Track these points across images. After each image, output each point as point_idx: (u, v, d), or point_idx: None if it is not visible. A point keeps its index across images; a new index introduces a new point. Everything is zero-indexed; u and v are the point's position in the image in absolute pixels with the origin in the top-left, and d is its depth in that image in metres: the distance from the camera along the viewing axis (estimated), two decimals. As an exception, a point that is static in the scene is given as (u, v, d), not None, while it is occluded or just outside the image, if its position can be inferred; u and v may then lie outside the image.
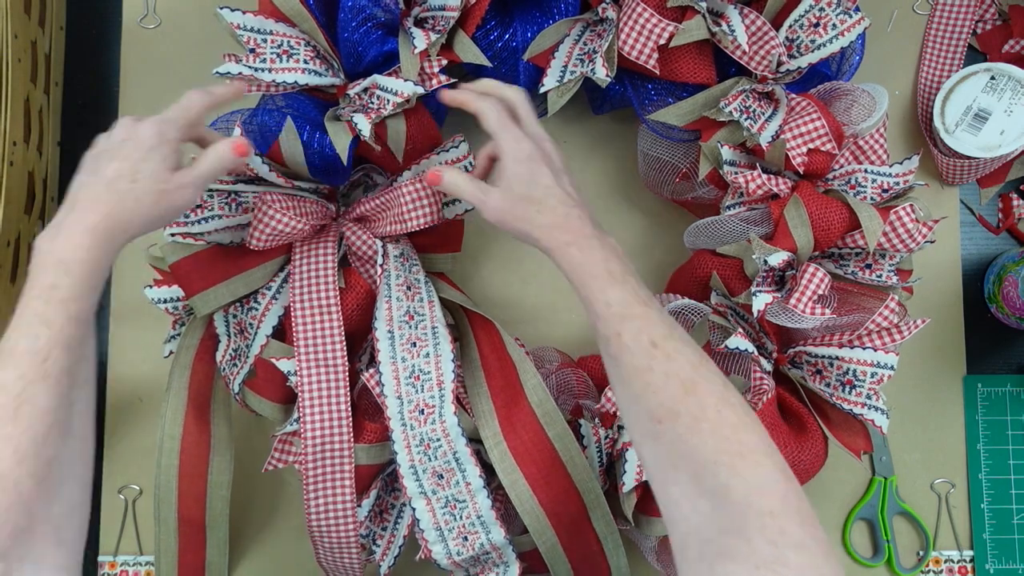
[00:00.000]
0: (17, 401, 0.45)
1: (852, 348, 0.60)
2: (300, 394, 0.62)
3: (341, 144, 0.61)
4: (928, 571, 0.72)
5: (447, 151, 0.65)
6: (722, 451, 0.44)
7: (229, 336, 0.65)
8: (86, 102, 0.76)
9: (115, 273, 0.74)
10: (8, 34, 0.64)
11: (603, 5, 0.63)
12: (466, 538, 0.61)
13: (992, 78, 0.70)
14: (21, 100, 0.67)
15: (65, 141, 0.75)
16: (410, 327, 0.63)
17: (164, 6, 0.75)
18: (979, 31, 0.75)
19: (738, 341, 0.60)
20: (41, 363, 0.46)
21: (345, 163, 0.62)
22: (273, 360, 0.63)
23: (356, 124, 0.61)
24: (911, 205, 0.61)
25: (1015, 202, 0.74)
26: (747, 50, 0.62)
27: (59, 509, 0.47)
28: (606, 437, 0.63)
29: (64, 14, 0.76)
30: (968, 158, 0.70)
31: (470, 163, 0.65)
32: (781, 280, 0.64)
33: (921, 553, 0.72)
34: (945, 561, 0.72)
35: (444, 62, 0.63)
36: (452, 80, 0.63)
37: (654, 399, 0.47)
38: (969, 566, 0.72)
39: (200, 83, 0.75)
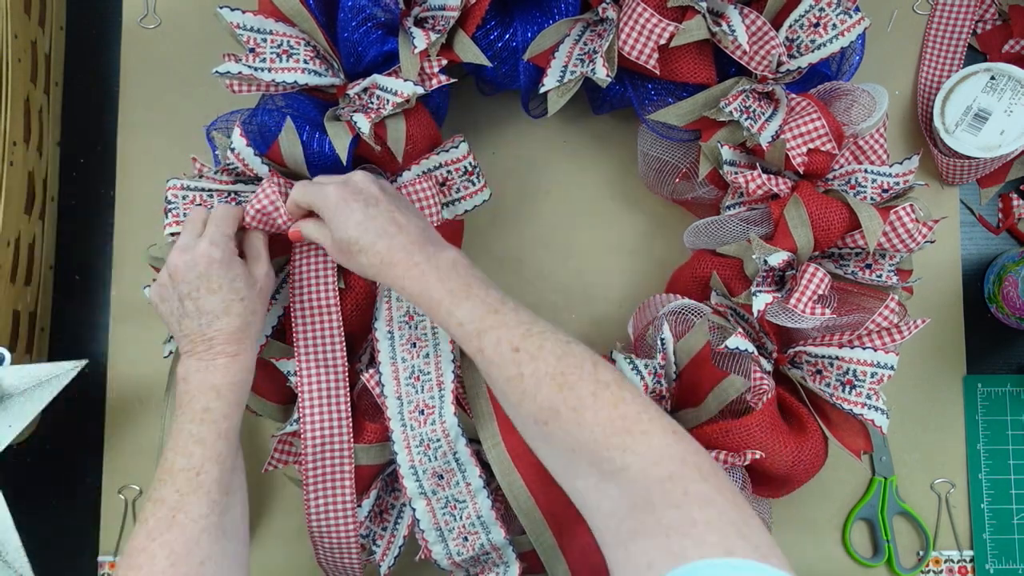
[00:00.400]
0: (173, 511, 0.51)
1: (852, 348, 0.60)
2: (300, 395, 0.62)
3: (341, 144, 0.61)
4: (928, 571, 0.72)
5: (447, 151, 0.65)
6: (609, 434, 0.44)
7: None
8: (86, 102, 0.76)
9: (115, 273, 0.74)
10: (8, 34, 0.64)
11: (603, 5, 0.63)
12: (466, 538, 0.61)
13: (992, 78, 0.70)
14: (21, 100, 0.67)
15: (65, 141, 0.75)
16: (410, 327, 0.63)
17: (164, 6, 0.75)
18: (979, 31, 0.74)
19: (738, 341, 0.60)
20: (195, 476, 0.52)
21: (345, 163, 0.62)
22: (273, 360, 0.63)
23: (356, 124, 0.61)
24: (911, 205, 0.61)
25: (1015, 202, 0.74)
26: (747, 50, 0.62)
27: None
28: (606, 437, 0.63)
29: (64, 14, 0.76)
30: (968, 158, 0.70)
31: (470, 163, 0.65)
32: (781, 280, 0.64)
33: (921, 553, 0.72)
34: (945, 561, 0.72)
35: (444, 62, 0.63)
36: (452, 80, 0.63)
37: (533, 404, 0.47)
38: (969, 566, 0.72)
39: (200, 83, 0.75)
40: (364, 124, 0.61)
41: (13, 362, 0.63)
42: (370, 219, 0.55)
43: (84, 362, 0.64)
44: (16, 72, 0.66)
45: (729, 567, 0.37)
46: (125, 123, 0.75)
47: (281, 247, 0.64)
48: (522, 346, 0.48)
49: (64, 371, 0.63)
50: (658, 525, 0.40)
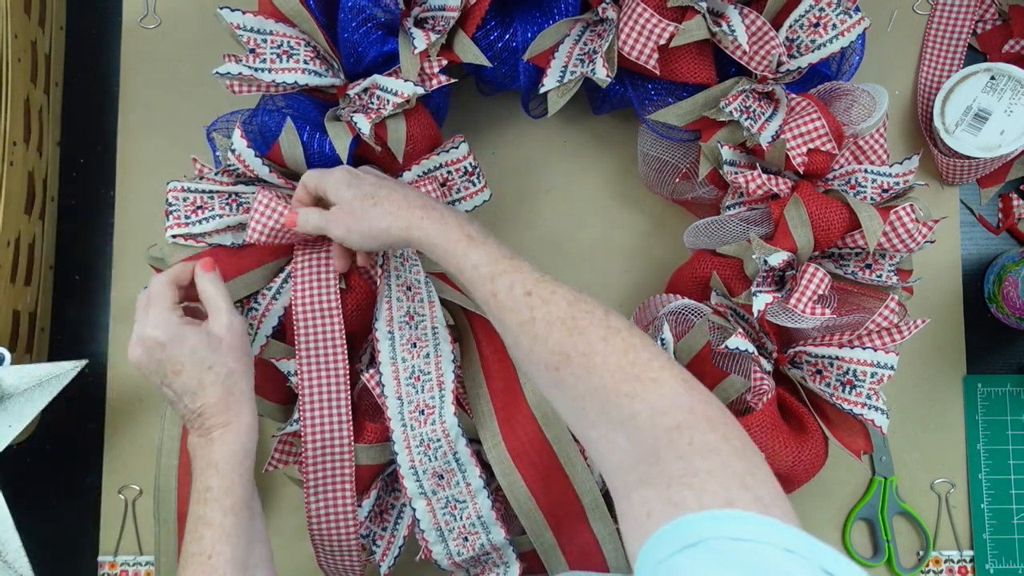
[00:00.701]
0: None
1: (852, 348, 0.60)
2: (301, 397, 0.62)
3: (341, 144, 0.61)
4: (928, 571, 0.72)
5: (447, 151, 0.65)
6: (619, 380, 0.44)
7: (229, 336, 0.65)
8: (86, 102, 0.76)
9: (115, 273, 0.74)
10: (8, 34, 0.64)
11: (603, 5, 0.63)
12: (466, 538, 0.61)
13: (992, 78, 0.70)
14: (21, 100, 0.67)
15: (65, 141, 0.75)
16: (410, 327, 0.63)
17: (164, 6, 0.75)
18: (979, 31, 0.74)
19: (738, 341, 0.60)
20: (207, 560, 0.51)
21: (345, 164, 0.62)
22: (274, 361, 0.63)
23: (356, 124, 0.61)
24: (911, 205, 0.61)
25: (1015, 202, 0.74)
26: (747, 50, 0.62)
27: None
28: (606, 437, 0.63)
29: (64, 14, 0.76)
30: (968, 158, 0.70)
31: (470, 164, 0.65)
32: (781, 280, 0.64)
33: (921, 553, 0.72)
34: (945, 561, 0.72)
35: (444, 62, 0.63)
36: (452, 80, 0.63)
37: (544, 348, 0.47)
38: (969, 566, 0.72)
39: (200, 83, 0.75)
40: (364, 124, 0.61)
41: (13, 362, 0.63)
42: (382, 180, 0.58)
43: (84, 362, 0.64)
44: (16, 72, 0.66)
45: (728, 518, 0.36)
46: (125, 123, 0.75)
47: (282, 248, 0.64)
48: (535, 290, 0.49)
49: (64, 371, 0.63)
50: (661, 475, 0.39)
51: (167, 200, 0.63)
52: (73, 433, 0.73)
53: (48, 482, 0.73)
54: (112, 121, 0.75)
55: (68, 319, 0.74)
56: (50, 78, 0.73)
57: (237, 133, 0.60)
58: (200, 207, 0.62)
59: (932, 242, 0.63)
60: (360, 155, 0.64)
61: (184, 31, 0.75)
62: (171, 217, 0.63)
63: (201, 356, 0.54)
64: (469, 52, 0.64)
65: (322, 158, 0.62)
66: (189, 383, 0.54)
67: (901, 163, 0.65)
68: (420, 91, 0.61)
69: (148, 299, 0.56)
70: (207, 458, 0.54)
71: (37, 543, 0.61)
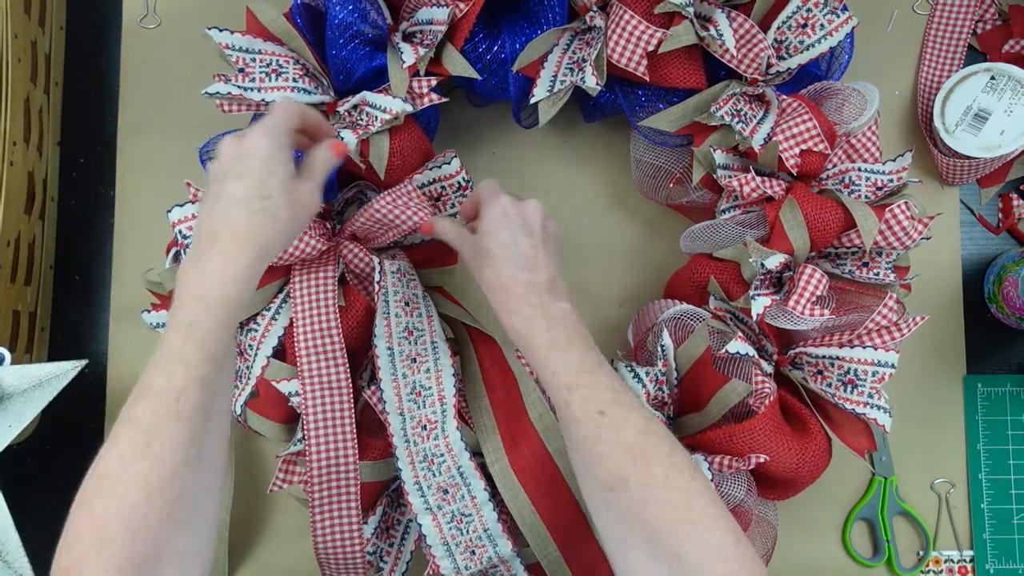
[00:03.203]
0: (148, 437, 0.44)
1: (852, 347, 0.60)
2: (304, 416, 0.61)
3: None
4: (928, 571, 0.72)
5: (439, 167, 0.64)
6: (673, 519, 0.45)
7: (229, 358, 0.64)
8: (86, 102, 0.76)
9: (115, 273, 0.74)
10: (8, 34, 0.64)
11: (591, 13, 0.62)
12: (473, 552, 0.61)
13: (992, 78, 0.70)
14: (21, 100, 0.67)
15: (65, 141, 0.75)
16: (410, 343, 0.63)
17: (164, 6, 0.75)
18: (979, 31, 0.74)
19: (738, 345, 0.60)
20: (175, 401, 0.45)
21: (331, 179, 0.61)
22: (274, 383, 0.62)
23: (344, 140, 0.60)
24: (906, 202, 0.61)
25: (1015, 202, 0.74)
26: (736, 53, 0.62)
27: (186, 542, 0.45)
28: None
29: (64, 14, 0.76)
30: (968, 158, 0.70)
31: (463, 178, 0.65)
32: (779, 282, 0.64)
33: (921, 553, 0.72)
34: (945, 561, 0.72)
35: (434, 81, 0.63)
36: (443, 99, 0.63)
37: (604, 468, 0.47)
38: (969, 566, 0.72)
39: (200, 83, 0.75)
40: (351, 140, 0.60)
41: (13, 362, 0.63)
42: (514, 244, 0.54)
43: (84, 362, 0.64)
44: (16, 72, 0.66)
45: None
46: (125, 123, 0.75)
47: (279, 269, 0.63)
48: (608, 411, 0.48)
49: (64, 371, 0.63)
50: None
51: (180, 233, 0.58)
52: (73, 433, 0.73)
53: (48, 482, 0.73)
54: (112, 121, 0.75)
55: (68, 319, 0.74)
56: (50, 78, 0.73)
57: None
58: None
59: (928, 238, 0.63)
60: (349, 171, 0.64)
61: (184, 31, 0.75)
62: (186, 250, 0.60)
63: (269, 183, 0.49)
64: (458, 65, 0.63)
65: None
66: (236, 192, 0.49)
67: (894, 160, 0.65)
68: (408, 108, 0.61)
69: (279, 112, 0.53)
70: (197, 292, 0.47)
71: (37, 543, 0.60)
